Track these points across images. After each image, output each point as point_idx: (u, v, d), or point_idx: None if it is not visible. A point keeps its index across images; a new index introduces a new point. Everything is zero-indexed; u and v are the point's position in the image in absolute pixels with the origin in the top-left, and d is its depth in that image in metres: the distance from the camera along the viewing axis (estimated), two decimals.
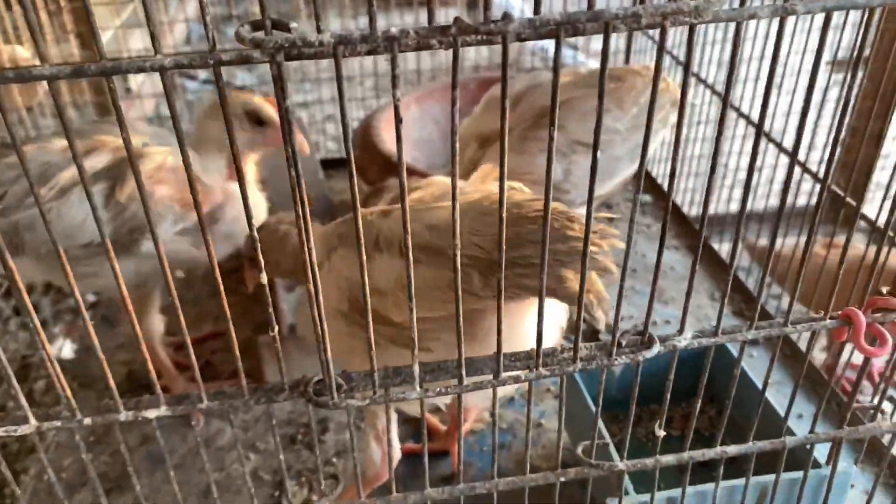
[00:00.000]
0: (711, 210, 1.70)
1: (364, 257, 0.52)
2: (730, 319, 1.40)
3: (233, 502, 1.05)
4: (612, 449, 0.87)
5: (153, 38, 0.44)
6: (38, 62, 0.44)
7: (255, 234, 0.52)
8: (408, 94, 1.91)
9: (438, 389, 0.61)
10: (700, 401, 0.73)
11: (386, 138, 1.68)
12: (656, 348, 0.64)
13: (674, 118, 1.26)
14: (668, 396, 0.71)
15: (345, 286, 0.88)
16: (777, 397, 1.08)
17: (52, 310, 2.14)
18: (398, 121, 0.47)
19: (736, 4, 0.49)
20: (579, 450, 0.76)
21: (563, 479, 0.75)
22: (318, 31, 0.44)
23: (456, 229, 0.52)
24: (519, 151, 1.18)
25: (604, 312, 0.83)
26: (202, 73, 3.67)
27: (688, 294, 0.65)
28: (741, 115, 1.47)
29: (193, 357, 0.59)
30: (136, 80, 2.91)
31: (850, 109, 1.03)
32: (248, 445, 1.13)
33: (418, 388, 0.61)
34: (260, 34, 0.43)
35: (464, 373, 0.60)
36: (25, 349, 2.07)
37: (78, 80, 0.43)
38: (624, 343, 0.65)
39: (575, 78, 1.23)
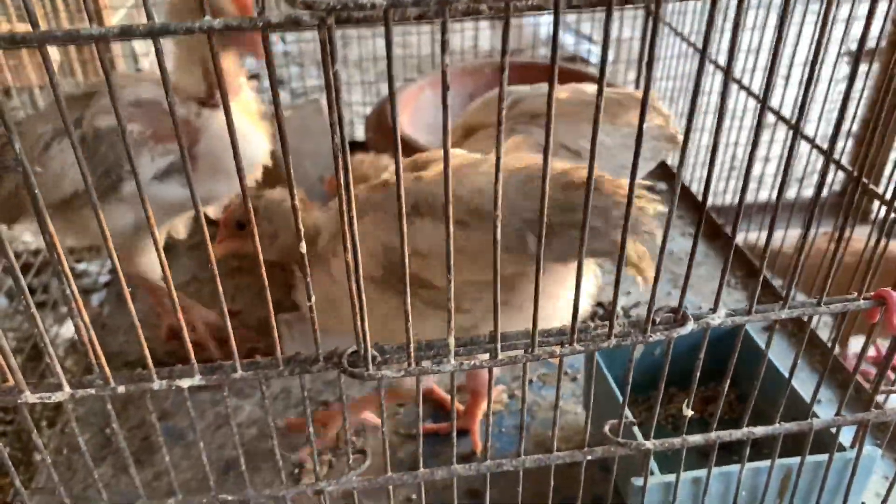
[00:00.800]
0: (728, 199, 1.71)
1: (405, 222, 0.52)
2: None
3: (252, 480, 1.05)
4: (636, 429, 0.86)
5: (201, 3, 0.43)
6: None
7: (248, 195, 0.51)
8: (422, 78, 1.91)
9: (472, 363, 0.61)
10: (727, 382, 0.73)
11: (403, 120, 1.67)
12: (690, 325, 0.64)
13: (666, 154, 1.25)
14: (698, 375, 0.71)
15: (380, 251, 0.89)
16: (794, 381, 1.08)
17: (61, 289, 2.16)
18: (445, 87, 0.47)
19: None
20: (606, 428, 0.75)
21: (589, 458, 0.75)
22: None
23: (498, 198, 0.51)
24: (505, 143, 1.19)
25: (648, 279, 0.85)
26: None
27: (723, 272, 0.65)
28: (745, 89, 1.45)
29: (230, 325, 0.58)
30: (147, 60, 2.91)
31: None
32: (266, 422, 1.13)
33: (452, 361, 0.60)
34: None
35: (499, 347, 0.60)
36: (32, 328, 2.09)
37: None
38: (658, 320, 0.65)
39: (574, 95, 1.22)
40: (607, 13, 0.45)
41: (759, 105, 0.56)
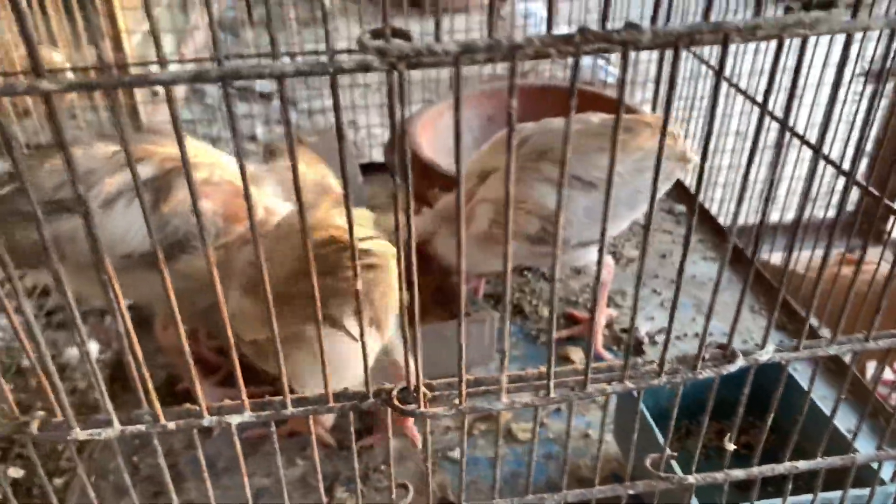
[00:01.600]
0: (742, 219, 1.71)
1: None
2: (775, 335, 1.39)
3: None
4: (673, 463, 0.86)
5: (272, 42, 0.43)
6: (67, 66, 0.44)
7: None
8: (442, 102, 1.92)
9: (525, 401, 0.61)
10: (770, 416, 0.73)
11: (422, 143, 1.68)
12: (739, 362, 0.64)
13: (679, 173, 1.26)
14: (741, 410, 0.71)
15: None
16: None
17: (79, 311, 2.15)
18: (510, 128, 0.47)
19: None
20: (647, 462, 0.75)
21: (630, 492, 0.75)
22: (437, 39, 0.44)
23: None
24: (516, 180, 1.19)
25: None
26: None
27: (739, 304, 0.65)
28: (776, 119, 1.45)
29: (237, 362, 0.58)
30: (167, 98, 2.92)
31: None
32: (295, 451, 1.13)
33: (504, 400, 0.60)
34: (381, 42, 0.43)
35: (552, 385, 0.60)
36: (51, 349, 2.08)
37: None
38: (706, 357, 0.64)
39: (586, 126, 1.23)
40: (723, 48, 0.45)
41: (771, 124, 0.56)
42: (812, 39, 0.50)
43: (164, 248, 1.04)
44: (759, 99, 1.54)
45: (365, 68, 0.44)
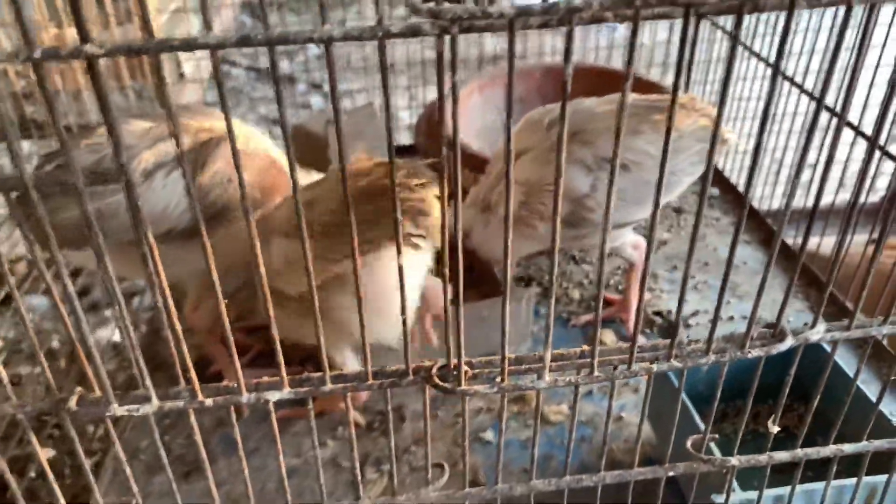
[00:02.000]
0: (777, 203, 1.68)
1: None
2: (805, 315, 1.37)
3: (313, 488, 1.05)
4: (712, 445, 0.84)
5: (322, 7, 0.42)
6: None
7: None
8: (470, 82, 1.89)
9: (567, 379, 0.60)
10: (816, 399, 0.71)
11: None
12: (789, 341, 0.62)
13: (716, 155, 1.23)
14: (787, 391, 0.69)
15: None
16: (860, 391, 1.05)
17: (105, 293, 2.16)
18: (565, 96, 0.45)
19: None
20: (688, 444, 0.74)
21: (670, 474, 0.73)
22: (492, 1, 0.42)
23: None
24: (545, 162, 1.17)
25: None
26: (244, 61, 3.69)
27: (787, 289, 0.63)
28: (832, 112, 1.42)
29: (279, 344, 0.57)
30: (188, 66, 2.92)
31: None
32: (325, 431, 1.12)
33: (547, 378, 0.59)
34: (433, 4, 0.41)
35: (595, 363, 0.59)
36: (76, 332, 2.10)
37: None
38: (755, 336, 0.63)
39: (615, 107, 1.21)
40: (788, 16, 0.43)
41: (818, 109, 0.54)
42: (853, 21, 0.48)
43: (205, 220, 1.04)
44: (797, 80, 1.51)
45: (415, 32, 0.43)
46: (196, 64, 2.97)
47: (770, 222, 1.64)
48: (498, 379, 0.59)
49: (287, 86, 3.39)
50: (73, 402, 0.59)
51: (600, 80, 1.45)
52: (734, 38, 0.45)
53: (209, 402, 0.60)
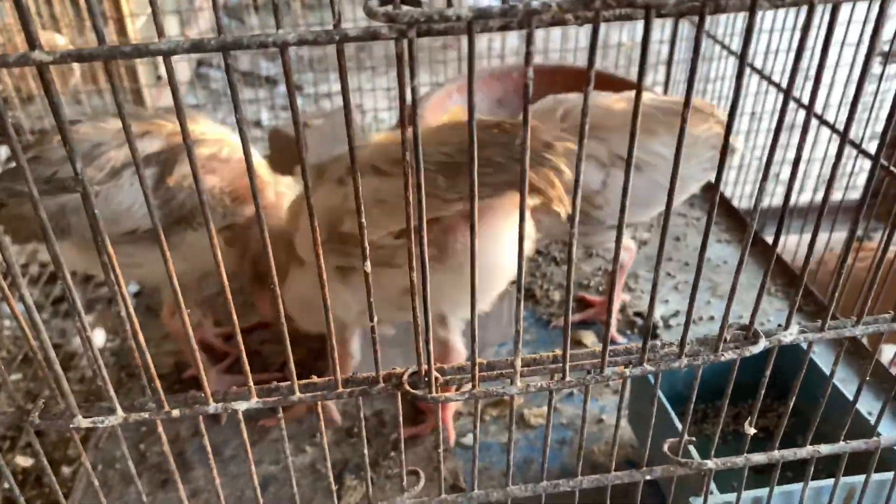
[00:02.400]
0: (768, 202, 1.68)
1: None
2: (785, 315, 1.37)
3: (292, 495, 1.04)
4: (691, 448, 0.84)
5: (276, 14, 0.41)
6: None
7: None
8: (450, 83, 1.89)
9: (539, 385, 0.59)
10: (793, 400, 0.71)
11: (431, 125, 1.65)
12: (762, 343, 0.62)
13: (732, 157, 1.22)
14: (762, 393, 0.69)
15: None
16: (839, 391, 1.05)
17: (85, 298, 2.14)
18: (527, 95, 0.45)
19: None
20: (665, 447, 0.73)
21: (647, 478, 0.73)
22: (449, 4, 0.41)
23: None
24: None
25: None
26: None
27: (761, 287, 0.63)
28: (801, 104, 1.43)
29: (243, 348, 0.56)
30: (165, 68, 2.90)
31: None
32: (304, 438, 1.11)
33: (518, 384, 0.58)
34: (390, 8, 0.40)
35: (567, 368, 0.58)
36: (58, 338, 2.07)
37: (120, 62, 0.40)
38: (728, 338, 0.62)
39: (631, 105, 1.20)
40: (750, 15, 0.43)
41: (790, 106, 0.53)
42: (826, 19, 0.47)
43: (168, 223, 1.03)
44: (774, 79, 1.51)
45: (373, 36, 0.42)
46: (177, 66, 2.95)
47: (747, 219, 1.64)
48: (469, 386, 0.58)
49: (268, 88, 3.37)
50: (35, 415, 0.58)
51: (578, 81, 1.45)
52: (697, 38, 0.44)
53: (176, 412, 0.59)
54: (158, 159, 1.01)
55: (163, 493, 1.04)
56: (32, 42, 0.41)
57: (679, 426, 0.93)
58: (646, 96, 1.19)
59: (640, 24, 0.43)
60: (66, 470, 1.77)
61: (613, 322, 1.33)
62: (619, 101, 1.17)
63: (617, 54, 2.12)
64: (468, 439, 1.10)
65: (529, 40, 0.42)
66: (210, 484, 1.06)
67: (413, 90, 0.43)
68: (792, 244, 1.57)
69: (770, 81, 1.51)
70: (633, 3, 0.41)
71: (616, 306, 1.34)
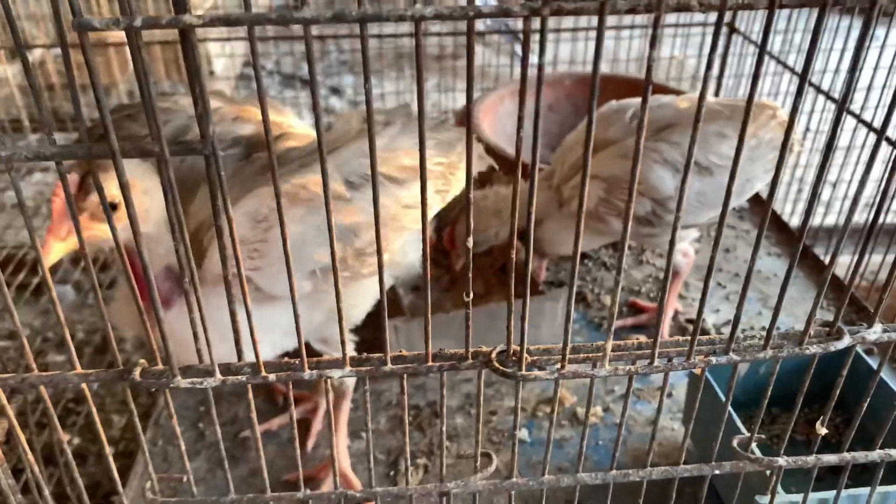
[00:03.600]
0: (818, 221, 1.68)
1: None
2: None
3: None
4: (754, 445, 0.84)
5: None
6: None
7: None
8: (501, 88, 1.91)
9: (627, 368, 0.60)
10: (865, 405, 0.71)
11: (485, 128, 1.67)
12: (846, 339, 0.62)
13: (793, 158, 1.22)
14: (837, 394, 0.70)
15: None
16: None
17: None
18: (647, 83, 0.46)
19: None
20: (735, 443, 0.74)
21: (716, 472, 0.74)
22: None
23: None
24: (628, 157, 1.16)
25: None
26: (269, 64, 3.71)
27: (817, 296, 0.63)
28: (861, 121, 1.42)
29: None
30: (218, 64, 2.95)
31: None
32: (360, 423, 1.13)
33: (607, 367, 0.60)
34: None
35: (656, 353, 0.59)
36: (100, 321, 2.11)
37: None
38: (812, 333, 0.63)
39: (694, 105, 1.20)
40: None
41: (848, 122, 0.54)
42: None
43: None
44: (820, 89, 1.51)
45: (505, 13, 0.44)
46: (227, 62, 3.00)
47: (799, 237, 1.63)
48: (558, 366, 0.60)
49: (308, 90, 3.40)
50: (136, 373, 0.60)
51: (629, 91, 1.44)
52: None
53: (272, 377, 0.61)
54: (247, 143, 1.03)
55: (221, 470, 1.06)
56: (183, 6, 0.43)
57: (741, 427, 0.93)
58: (710, 98, 1.20)
59: (692, 39, 0.45)
60: (111, 450, 1.80)
61: (666, 328, 1.33)
62: (682, 101, 1.18)
63: (669, 66, 2.13)
64: (521, 433, 1.11)
65: (657, 24, 0.43)
66: (267, 464, 1.08)
67: (539, 68, 0.45)
68: (843, 262, 1.56)
69: (828, 97, 1.51)
70: None
71: (669, 313, 1.35)
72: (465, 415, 1.16)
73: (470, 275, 0.56)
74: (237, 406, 1.17)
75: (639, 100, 1.24)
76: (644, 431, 1.12)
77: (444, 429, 0.67)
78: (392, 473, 1.06)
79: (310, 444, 1.12)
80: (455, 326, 1.14)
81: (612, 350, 0.61)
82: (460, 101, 2.18)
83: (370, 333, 1.06)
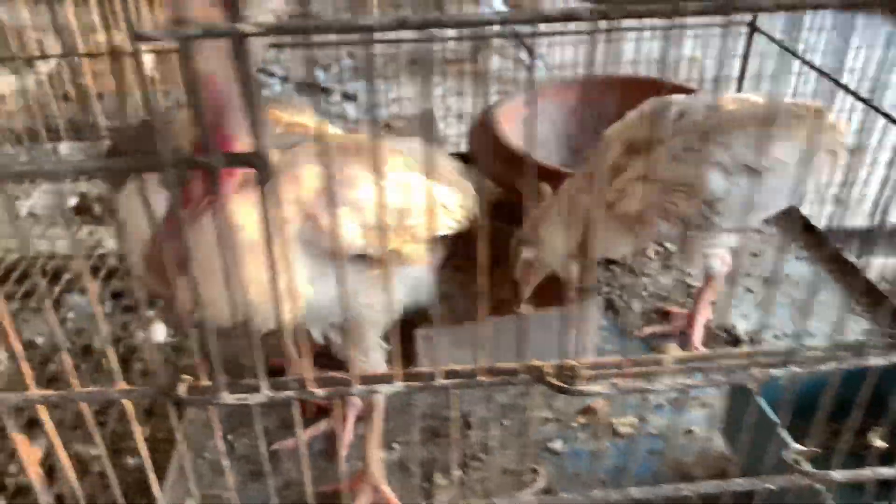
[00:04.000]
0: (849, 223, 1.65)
1: None
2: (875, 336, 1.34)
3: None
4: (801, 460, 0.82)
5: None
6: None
7: None
8: (521, 94, 1.89)
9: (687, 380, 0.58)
10: None
11: (507, 131, 1.65)
12: None
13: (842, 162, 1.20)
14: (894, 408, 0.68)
15: None
16: None
17: (146, 293, 2.16)
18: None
19: None
20: (789, 456, 0.72)
21: (770, 487, 0.72)
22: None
23: None
24: (681, 160, 1.14)
25: None
26: (280, 71, 3.72)
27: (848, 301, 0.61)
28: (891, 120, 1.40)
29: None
30: None
31: None
32: (392, 435, 1.11)
33: (666, 381, 0.58)
34: None
35: (716, 365, 0.57)
36: (120, 331, 2.10)
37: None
38: (871, 343, 0.61)
39: (741, 106, 1.18)
40: None
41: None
42: None
43: None
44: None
45: (569, 17, 0.42)
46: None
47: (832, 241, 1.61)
48: (616, 380, 0.58)
49: (321, 96, 3.40)
50: (182, 389, 0.58)
51: (649, 92, 1.41)
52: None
53: (320, 392, 0.59)
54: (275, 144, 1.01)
55: (253, 482, 1.05)
56: (236, 15, 0.42)
57: (788, 439, 0.91)
58: (752, 97, 1.18)
59: (712, 40, 0.43)
60: (131, 461, 1.78)
61: (698, 335, 1.31)
62: (727, 102, 1.16)
63: (689, 68, 2.11)
64: (556, 444, 1.09)
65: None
66: (300, 477, 1.07)
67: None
68: (877, 266, 1.54)
69: (857, 97, 1.49)
70: None
71: (701, 321, 1.32)
72: (499, 426, 1.14)
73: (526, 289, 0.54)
74: (268, 418, 1.16)
75: (680, 97, 1.23)
76: (682, 442, 1.10)
77: (488, 442, 0.65)
78: (426, 485, 1.04)
79: (343, 453, 1.11)
80: (486, 336, 1.13)
81: (677, 362, 0.59)
82: (476, 105, 2.17)
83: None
